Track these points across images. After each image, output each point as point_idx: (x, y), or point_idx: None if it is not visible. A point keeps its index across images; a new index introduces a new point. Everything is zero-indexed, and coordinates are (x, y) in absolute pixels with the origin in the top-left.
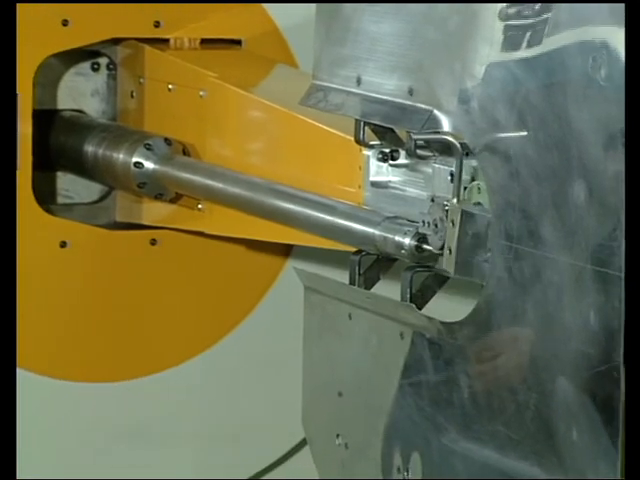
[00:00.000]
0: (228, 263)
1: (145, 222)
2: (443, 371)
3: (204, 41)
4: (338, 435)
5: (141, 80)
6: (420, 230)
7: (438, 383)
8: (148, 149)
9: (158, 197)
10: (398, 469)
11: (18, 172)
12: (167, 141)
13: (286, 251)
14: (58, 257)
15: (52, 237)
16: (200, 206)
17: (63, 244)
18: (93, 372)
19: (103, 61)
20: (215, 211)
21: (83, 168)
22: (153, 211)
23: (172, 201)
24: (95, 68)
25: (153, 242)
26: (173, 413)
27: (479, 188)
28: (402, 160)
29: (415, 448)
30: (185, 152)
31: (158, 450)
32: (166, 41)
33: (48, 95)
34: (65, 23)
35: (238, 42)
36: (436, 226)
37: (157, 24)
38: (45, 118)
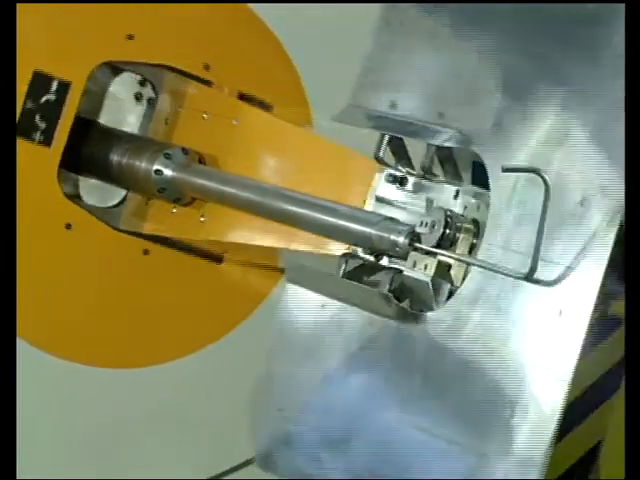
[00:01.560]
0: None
1: (148, 232)
2: (403, 357)
3: (241, 95)
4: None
5: (179, 109)
6: (417, 230)
7: (396, 367)
8: (167, 158)
9: (176, 201)
10: None
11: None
12: (184, 151)
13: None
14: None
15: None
16: (202, 219)
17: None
18: (108, 358)
19: (146, 93)
20: (215, 221)
21: (108, 174)
22: (159, 222)
23: (178, 212)
24: (138, 98)
25: (146, 252)
26: (175, 405)
27: (478, 207)
28: (409, 188)
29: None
30: (201, 161)
31: (162, 437)
32: (208, 82)
33: (92, 106)
34: (131, 37)
35: (269, 107)
36: (433, 227)
37: (207, 67)
38: (83, 126)
